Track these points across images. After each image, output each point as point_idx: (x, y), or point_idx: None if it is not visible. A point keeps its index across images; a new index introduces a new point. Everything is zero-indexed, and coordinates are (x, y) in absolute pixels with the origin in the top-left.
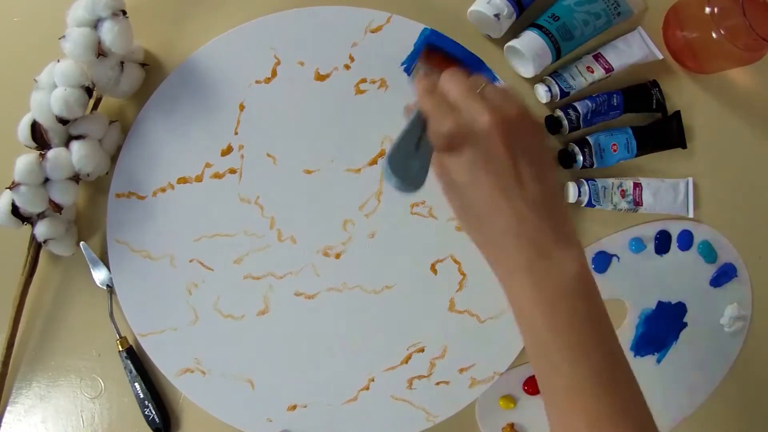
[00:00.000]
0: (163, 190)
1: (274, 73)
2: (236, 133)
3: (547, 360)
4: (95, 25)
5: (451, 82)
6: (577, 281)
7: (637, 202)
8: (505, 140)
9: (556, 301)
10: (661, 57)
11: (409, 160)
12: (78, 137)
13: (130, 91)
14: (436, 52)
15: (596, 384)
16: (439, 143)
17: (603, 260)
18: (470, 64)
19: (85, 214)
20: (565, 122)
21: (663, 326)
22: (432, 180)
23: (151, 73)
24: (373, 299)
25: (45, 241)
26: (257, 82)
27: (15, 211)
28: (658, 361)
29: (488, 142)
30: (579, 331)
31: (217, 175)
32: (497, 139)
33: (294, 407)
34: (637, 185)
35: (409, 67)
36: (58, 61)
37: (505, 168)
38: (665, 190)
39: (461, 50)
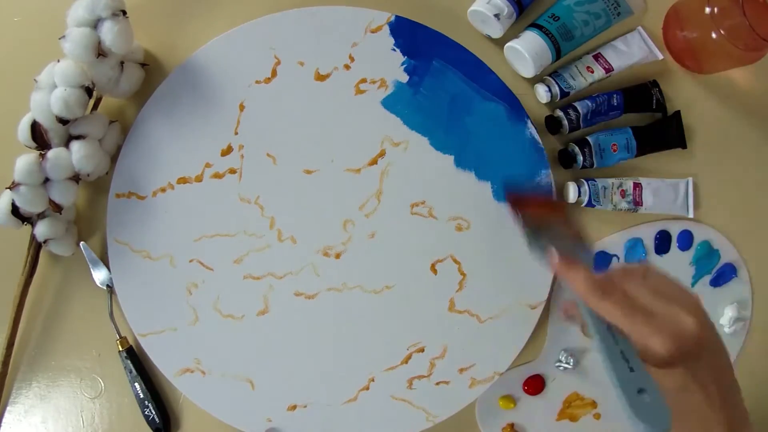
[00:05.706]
0: (163, 190)
1: (274, 73)
2: (236, 133)
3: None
4: (95, 25)
5: (639, 289)
6: None
7: (637, 202)
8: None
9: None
10: (661, 57)
11: (638, 394)
12: (78, 137)
13: (130, 91)
14: (522, 198)
15: None
16: (655, 363)
17: (603, 260)
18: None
19: (85, 214)
20: (565, 122)
21: None
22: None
23: (151, 73)
24: (373, 299)
25: (45, 241)
26: (257, 82)
27: (15, 211)
28: None
29: (698, 356)
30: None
31: (217, 175)
32: (702, 352)
33: (294, 407)
34: (637, 185)
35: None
36: (58, 61)
37: (708, 382)
38: (665, 190)
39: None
